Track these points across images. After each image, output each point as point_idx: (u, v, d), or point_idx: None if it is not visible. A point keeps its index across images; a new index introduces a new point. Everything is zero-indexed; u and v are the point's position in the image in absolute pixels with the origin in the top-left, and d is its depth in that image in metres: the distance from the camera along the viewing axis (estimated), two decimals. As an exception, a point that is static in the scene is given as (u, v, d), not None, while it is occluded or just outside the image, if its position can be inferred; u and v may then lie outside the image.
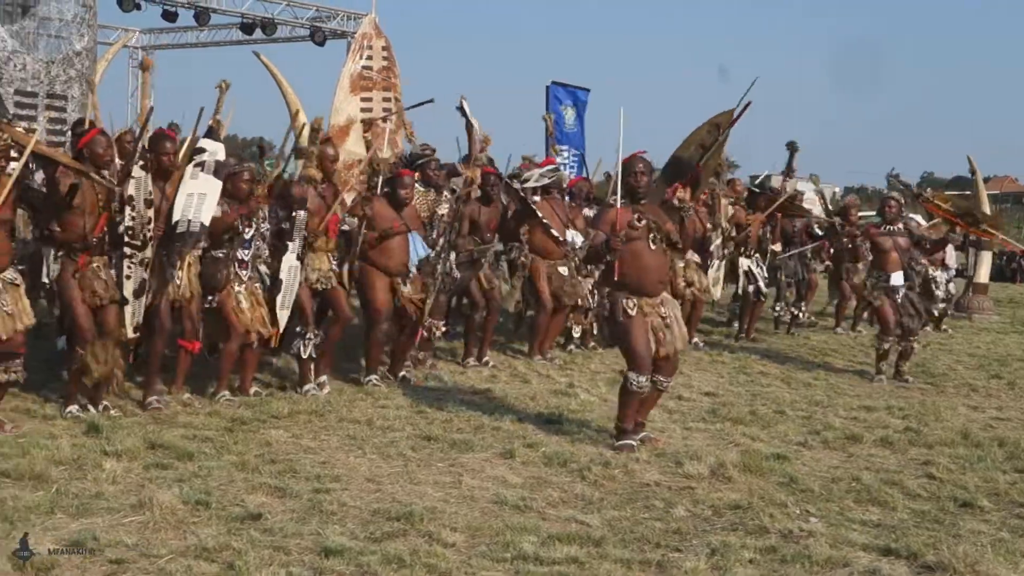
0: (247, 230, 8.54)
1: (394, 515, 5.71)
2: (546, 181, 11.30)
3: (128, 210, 7.74)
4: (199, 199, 7.99)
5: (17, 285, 7.31)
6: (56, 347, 9.52)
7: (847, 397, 9.96)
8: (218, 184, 8.19)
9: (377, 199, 9.60)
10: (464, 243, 10.55)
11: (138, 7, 20.94)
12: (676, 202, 8.11)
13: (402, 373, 9.74)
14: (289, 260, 8.78)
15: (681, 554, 5.37)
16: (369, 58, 11.92)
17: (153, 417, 7.79)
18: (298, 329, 8.90)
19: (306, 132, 10.12)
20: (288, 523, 5.51)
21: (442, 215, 10.08)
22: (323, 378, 9.13)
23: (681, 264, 11.88)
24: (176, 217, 7.88)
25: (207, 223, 8.05)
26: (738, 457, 7.17)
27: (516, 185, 11.21)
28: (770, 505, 6.21)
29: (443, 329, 10.69)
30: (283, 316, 8.82)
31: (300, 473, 6.47)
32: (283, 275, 8.76)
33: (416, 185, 9.98)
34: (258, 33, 22.47)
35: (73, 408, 7.66)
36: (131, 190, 7.76)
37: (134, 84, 24.28)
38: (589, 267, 10.97)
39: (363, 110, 11.79)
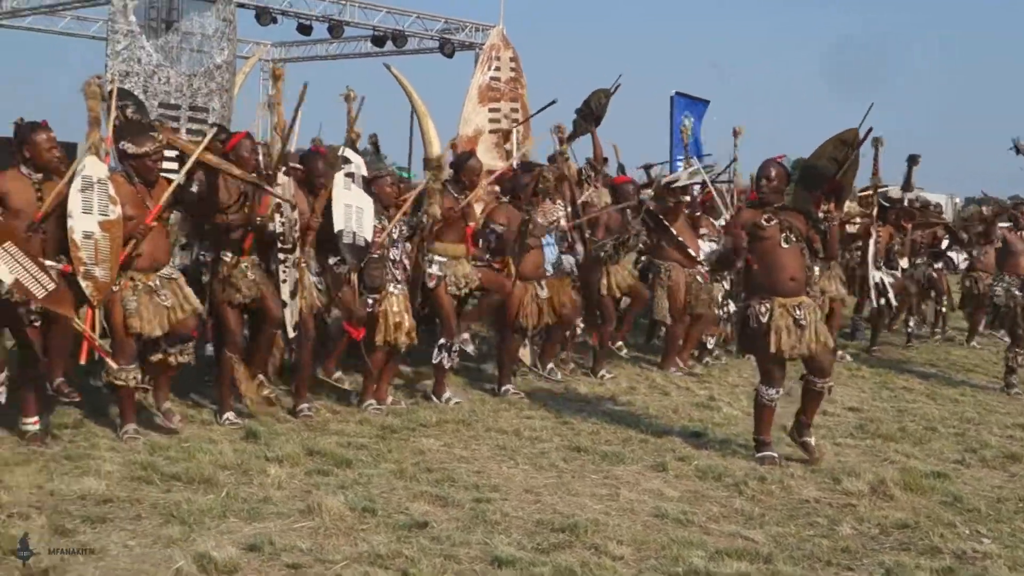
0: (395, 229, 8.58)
1: (558, 526, 5.70)
2: (698, 179, 11.25)
3: (277, 216, 7.86)
4: (358, 213, 8.10)
5: (174, 279, 7.41)
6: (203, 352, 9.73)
7: (998, 414, 9.68)
8: (371, 201, 8.28)
9: (506, 206, 9.60)
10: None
11: (275, 21, 21.28)
12: (821, 213, 8.04)
13: (550, 365, 10.16)
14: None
15: (854, 573, 5.28)
16: (497, 69, 12.03)
17: (305, 424, 7.89)
18: (442, 341, 8.96)
19: (435, 144, 10.21)
20: (454, 532, 5.54)
21: (554, 220, 10.08)
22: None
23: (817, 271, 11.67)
24: (339, 226, 7.99)
25: (370, 239, 8.16)
26: (897, 474, 7.02)
27: (649, 202, 11.07)
28: (938, 525, 6.06)
29: (581, 327, 10.75)
30: None
31: (458, 482, 6.50)
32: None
33: None
34: (389, 45, 22.66)
35: (230, 415, 7.78)
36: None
37: (267, 96, 24.66)
38: (721, 273, 10.91)
39: (491, 120, 11.90)
